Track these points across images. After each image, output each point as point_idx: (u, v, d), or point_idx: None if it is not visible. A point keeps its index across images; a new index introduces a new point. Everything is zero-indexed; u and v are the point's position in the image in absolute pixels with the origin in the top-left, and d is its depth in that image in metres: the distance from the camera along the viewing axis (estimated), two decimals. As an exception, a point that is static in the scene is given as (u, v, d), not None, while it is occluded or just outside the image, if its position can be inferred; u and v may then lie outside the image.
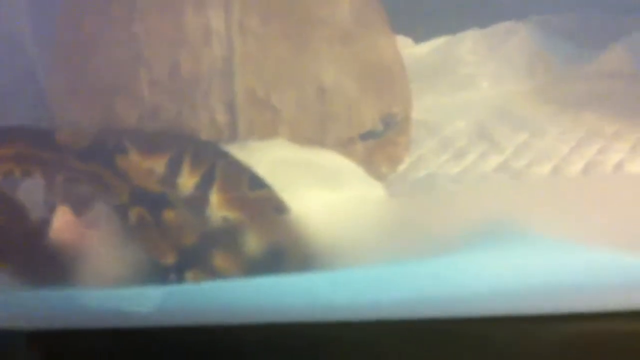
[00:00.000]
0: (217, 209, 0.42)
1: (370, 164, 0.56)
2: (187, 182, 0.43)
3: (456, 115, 0.73)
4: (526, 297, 0.39)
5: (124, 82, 0.51)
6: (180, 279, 0.39)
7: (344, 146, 0.55)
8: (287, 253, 0.39)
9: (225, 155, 0.45)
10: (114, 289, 0.39)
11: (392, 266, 0.39)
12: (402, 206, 0.47)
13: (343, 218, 0.43)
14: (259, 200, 0.43)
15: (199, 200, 0.42)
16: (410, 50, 0.81)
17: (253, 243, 0.39)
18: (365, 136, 0.57)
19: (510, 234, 0.41)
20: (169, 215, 0.42)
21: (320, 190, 0.46)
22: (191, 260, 0.40)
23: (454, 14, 0.82)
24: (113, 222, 0.43)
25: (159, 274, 0.40)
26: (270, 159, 0.46)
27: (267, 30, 0.52)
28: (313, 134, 0.53)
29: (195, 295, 0.38)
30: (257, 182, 0.43)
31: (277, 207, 0.42)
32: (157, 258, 0.40)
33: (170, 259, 0.40)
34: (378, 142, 0.58)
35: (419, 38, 0.83)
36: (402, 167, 0.62)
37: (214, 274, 0.40)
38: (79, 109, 0.53)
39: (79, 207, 0.43)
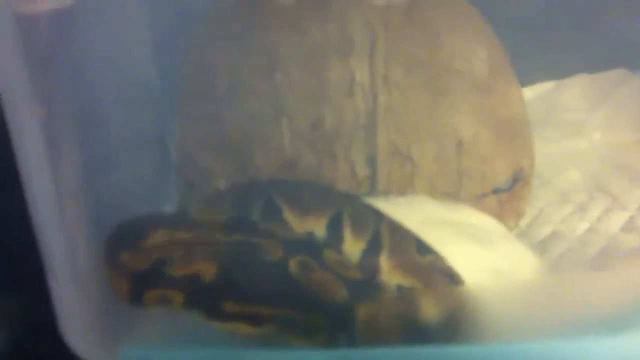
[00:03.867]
0: (390, 276, 0.41)
1: (500, 219, 0.55)
2: (353, 248, 0.42)
3: (568, 165, 0.71)
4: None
5: (264, 133, 0.51)
6: (351, 317, 0.38)
7: (477, 200, 0.54)
8: (461, 323, 0.38)
9: (385, 218, 0.44)
10: (281, 351, 0.38)
11: (565, 342, 0.38)
12: (559, 280, 0.46)
13: (503, 286, 0.42)
14: (431, 267, 0.42)
15: (369, 268, 0.41)
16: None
17: (428, 311, 0.38)
18: (496, 190, 0.56)
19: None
20: (329, 254, 0.42)
21: (474, 253, 0.45)
22: (362, 293, 0.39)
23: (560, 58, 0.81)
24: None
25: (331, 312, 0.39)
26: (418, 218, 0.45)
27: (409, 82, 0.51)
28: (449, 188, 0.53)
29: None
30: (424, 247, 0.42)
31: (450, 275, 0.41)
32: (329, 297, 0.39)
33: (341, 294, 0.39)
34: (507, 195, 0.57)
35: (524, 81, 0.81)
36: (524, 221, 0.61)
37: (385, 309, 0.39)
38: (211, 159, 0.53)
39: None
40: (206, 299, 0.39)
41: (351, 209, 0.43)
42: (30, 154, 0.38)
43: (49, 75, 0.40)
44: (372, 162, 0.51)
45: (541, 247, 0.57)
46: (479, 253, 0.45)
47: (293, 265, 0.40)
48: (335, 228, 0.43)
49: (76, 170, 0.42)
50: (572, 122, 0.77)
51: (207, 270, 0.39)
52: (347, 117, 0.50)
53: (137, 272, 0.40)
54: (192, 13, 0.59)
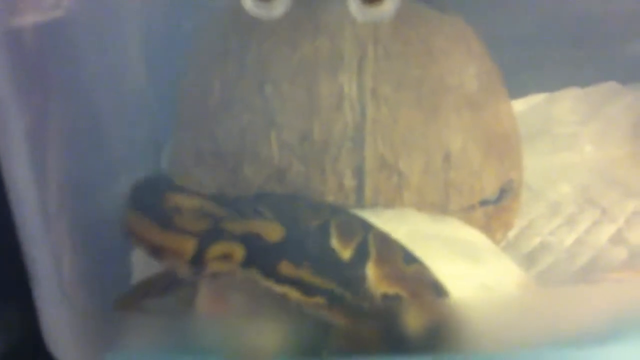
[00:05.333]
0: (376, 285, 0.41)
1: (488, 231, 0.56)
2: (341, 254, 0.43)
3: (559, 178, 0.71)
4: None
5: (254, 145, 0.52)
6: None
7: (465, 213, 0.54)
8: (445, 334, 0.39)
9: (372, 228, 0.44)
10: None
11: (550, 353, 0.38)
12: (545, 292, 0.46)
13: (488, 299, 0.42)
14: (417, 276, 0.42)
15: (355, 275, 0.42)
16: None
17: (412, 321, 0.39)
18: (484, 203, 0.56)
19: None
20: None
21: (461, 268, 0.45)
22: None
23: (552, 71, 0.81)
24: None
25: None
26: (405, 231, 0.46)
27: (398, 96, 0.52)
28: (437, 201, 0.53)
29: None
30: (410, 257, 0.43)
31: (435, 286, 0.41)
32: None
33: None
34: (495, 208, 0.57)
35: (516, 94, 0.82)
36: (512, 233, 0.61)
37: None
38: (203, 171, 0.54)
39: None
40: (266, 258, 0.40)
41: (338, 219, 0.44)
42: (16, 164, 0.38)
43: (37, 86, 0.40)
44: (359, 173, 0.51)
45: (529, 259, 0.57)
46: (465, 267, 0.45)
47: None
48: (322, 234, 0.43)
49: (64, 181, 0.42)
50: (563, 135, 0.78)
51: (272, 231, 0.40)
52: (335, 129, 0.51)
53: (201, 230, 0.41)
54: (186, 26, 0.60)
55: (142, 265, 0.51)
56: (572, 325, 0.41)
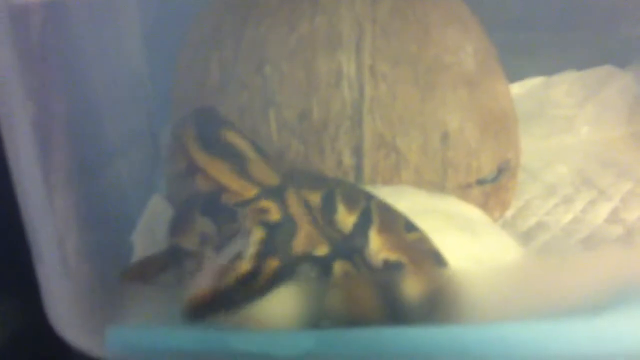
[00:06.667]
0: (378, 250, 0.42)
1: (485, 210, 0.56)
2: (346, 220, 0.43)
3: (555, 160, 0.72)
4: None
5: (253, 124, 0.52)
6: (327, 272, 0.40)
7: (462, 191, 0.55)
8: (443, 303, 0.39)
9: (374, 197, 0.45)
10: (266, 332, 0.39)
11: (543, 323, 0.38)
12: (541, 264, 0.47)
13: (484, 271, 0.43)
14: (418, 244, 0.42)
15: (359, 241, 0.42)
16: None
17: (411, 288, 0.39)
18: (481, 181, 0.57)
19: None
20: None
21: (459, 242, 0.45)
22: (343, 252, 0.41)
23: (549, 54, 0.81)
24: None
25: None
26: (404, 206, 0.46)
27: (396, 74, 0.52)
28: (435, 179, 0.54)
29: (346, 341, 0.38)
30: (411, 225, 0.43)
31: (435, 255, 0.42)
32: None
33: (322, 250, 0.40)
34: (492, 186, 0.58)
35: (512, 77, 0.82)
36: (509, 213, 0.62)
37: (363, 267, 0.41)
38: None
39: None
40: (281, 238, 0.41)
41: (343, 188, 0.45)
42: (20, 144, 0.38)
43: (40, 68, 0.40)
44: (358, 152, 0.52)
45: (525, 237, 0.58)
46: (463, 241, 0.46)
47: None
48: (328, 200, 0.44)
49: (67, 162, 0.43)
50: (560, 117, 0.78)
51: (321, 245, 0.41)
52: (334, 108, 0.51)
53: (268, 185, 0.43)
54: (184, 7, 0.60)
55: (142, 243, 0.51)
56: (568, 294, 0.41)
